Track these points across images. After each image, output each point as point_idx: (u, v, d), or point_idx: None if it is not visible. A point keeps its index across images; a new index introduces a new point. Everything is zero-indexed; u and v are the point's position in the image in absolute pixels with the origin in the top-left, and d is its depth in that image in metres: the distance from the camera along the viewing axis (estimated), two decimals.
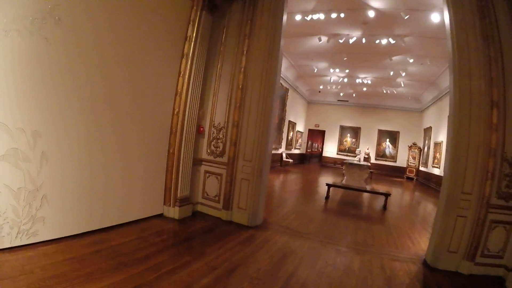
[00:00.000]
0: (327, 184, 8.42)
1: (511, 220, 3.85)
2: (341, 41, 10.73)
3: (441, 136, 14.70)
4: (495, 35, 3.88)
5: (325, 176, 15.26)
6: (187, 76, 4.73)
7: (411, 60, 11.91)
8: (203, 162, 5.31)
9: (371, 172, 12.35)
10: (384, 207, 7.80)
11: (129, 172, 4.24)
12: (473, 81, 3.88)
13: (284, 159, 17.17)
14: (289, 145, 18.75)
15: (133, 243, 3.62)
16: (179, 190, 4.79)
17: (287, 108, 17.18)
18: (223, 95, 5.15)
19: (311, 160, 24.85)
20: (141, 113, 4.28)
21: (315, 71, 15.48)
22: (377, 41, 10.36)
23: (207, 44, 5.01)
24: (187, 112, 4.71)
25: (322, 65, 14.81)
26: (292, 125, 19.11)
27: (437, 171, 14.80)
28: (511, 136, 3.82)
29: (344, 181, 12.10)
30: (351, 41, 10.58)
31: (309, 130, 23.28)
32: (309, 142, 24.31)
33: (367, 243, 4.76)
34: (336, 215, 6.52)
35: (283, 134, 16.92)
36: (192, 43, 4.75)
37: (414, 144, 19.52)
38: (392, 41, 10.12)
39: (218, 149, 5.16)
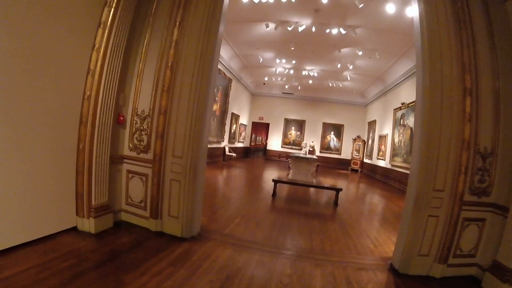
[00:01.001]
0: (273, 180, 7.80)
1: (484, 217, 3.59)
2: (289, 28, 10.14)
3: (386, 129, 15.16)
4: (467, 20, 3.53)
5: (270, 170, 14.79)
6: (102, 51, 3.63)
7: (360, 53, 11.80)
8: (125, 160, 4.26)
9: (317, 165, 12.11)
10: (335, 202, 7.42)
11: (27, 176, 3.10)
12: (445, 67, 3.44)
13: (227, 153, 16.38)
14: (232, 138, 17.98)
15: (30, 273, 2.58)
16: (93, 197, 3.72)
17: (230, 99, 16.36)
18: (149, 76, 4.12)
19: (255, 153, 24.39)
20: (41, 95, 3.14)
21: (261, 61, 14.85)
22: (328, 31, 9.97)
23: (132, 13, 3.93)
24: (101, 96, 3.62)
25: (268, 55, 14.21)
26: (236, 117, 18.35)
27: (382, 163, 15.24)
28: (484, 127, 3.51)
29: (290, 175, 11.68)
30: (300, 29, 10.04)
31: (253, 123, 22.74)
32: (253, 136, 23.79)
33: (325, 250, 4.16)
34: (285, 215, 5.89)
35: (225, 127, 16.07)
36: (113, 9, 3.63)
37: (359, 137, 20.13)
38: (343, 32, 9.79)
39: (142, 143, 4.14)
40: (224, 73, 14.71)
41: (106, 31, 3.65)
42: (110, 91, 3.74)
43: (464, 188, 3.47)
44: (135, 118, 4.20)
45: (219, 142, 15.25)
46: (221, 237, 4.18)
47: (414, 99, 11.76)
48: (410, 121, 11.89)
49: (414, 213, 3.48)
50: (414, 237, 3.50)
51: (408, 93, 12.55)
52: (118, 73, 3.82)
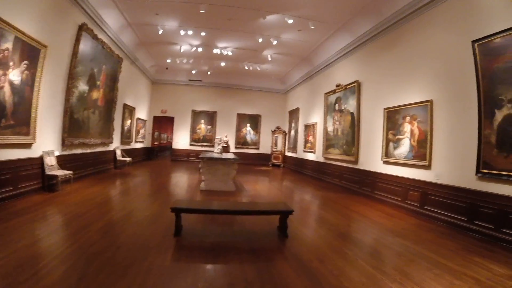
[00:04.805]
0: (173, 210, 4.31)
1: None
2: None
3: (315, 117, 13.16)
4: None
5: (177, 177, 11.39)
6: None
7: (291, 21, 9.18)
8: None
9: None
10: (282, 230, 4.62)
11: None
12: None
13: (119, 158, 12.32)
14: (126, 138, 13.80)
15: None
16: None
17: (121, 86, 12.21)
18: None
19: (160, 154, 20.56)
20: None
21: (160, 33, 11.18)
22: None
23: None
24: None
25: (171, 24, 10.68)
26: (130, 110, 14.21)
27: (312, 156, 13.24)
28: None
29: (203, 185, 8.49)
30: None
31: (155, 117, 18.70)
32: (156, 133, 19.84)
33: None
34: None
35: (114, 122, 11.90)
36: None
37: (278, 128, 18.02)
38: None
39: None
40: (110, 48, 10.58)
41: None
42: None
43: None
44: None
45: (105, 144, 11.12)
46: None
47: (352, 80, 9.47)
48: (350, 105, 9.80)
49: None
50: None
51: (345, 74, 10.52)
52: None
